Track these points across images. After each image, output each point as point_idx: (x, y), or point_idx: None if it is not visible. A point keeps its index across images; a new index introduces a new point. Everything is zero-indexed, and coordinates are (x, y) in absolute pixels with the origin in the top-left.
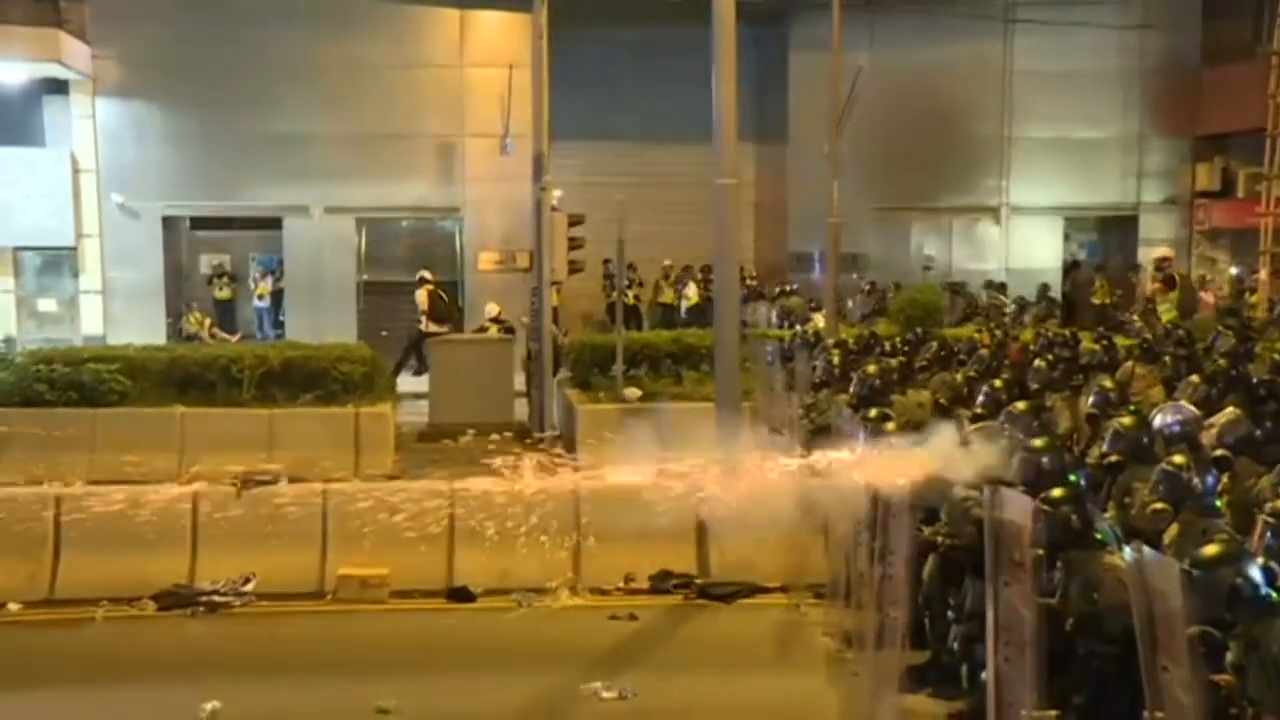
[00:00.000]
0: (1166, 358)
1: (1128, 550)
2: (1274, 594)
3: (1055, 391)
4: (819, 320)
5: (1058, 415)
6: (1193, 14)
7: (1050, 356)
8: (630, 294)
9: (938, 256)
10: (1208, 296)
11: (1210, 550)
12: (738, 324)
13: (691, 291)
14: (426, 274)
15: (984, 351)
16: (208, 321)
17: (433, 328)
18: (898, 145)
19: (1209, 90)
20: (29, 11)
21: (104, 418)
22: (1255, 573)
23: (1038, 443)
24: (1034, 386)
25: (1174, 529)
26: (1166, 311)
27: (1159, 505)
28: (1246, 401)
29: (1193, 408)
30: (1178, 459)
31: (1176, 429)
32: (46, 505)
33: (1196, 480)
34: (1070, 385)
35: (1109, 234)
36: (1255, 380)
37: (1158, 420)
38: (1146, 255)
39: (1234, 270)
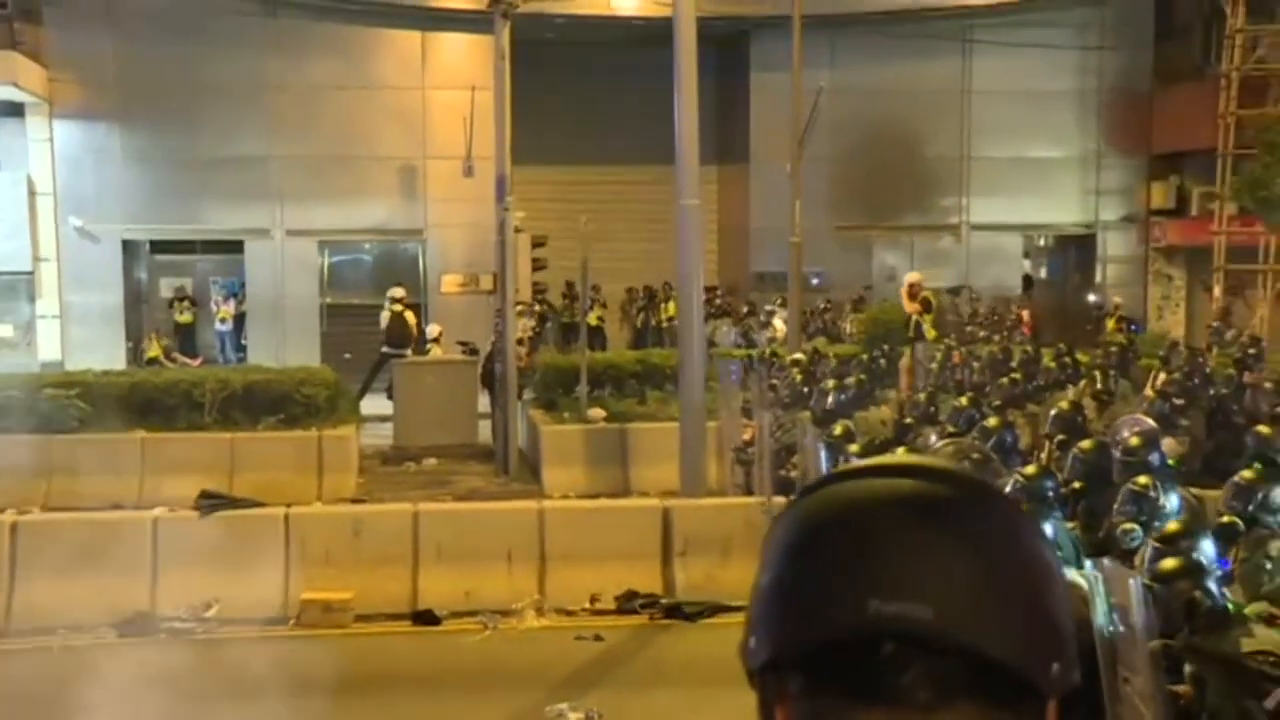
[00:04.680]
0: (1097, 373)
1: (1088, 564)
2: (1231, 606)
3: (1016, 409)
4: (779, 326)
5: (1020, 433)
6: (1145, 36)
7: (1016, 374)
8: (593, 315)
9: (899, 274)
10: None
11: (1168, 564)
12: (703, 343)
13: (672, 308)
14: (398, 293)
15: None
16: (165, 344)
17: (388, 350)
18: (858, 165)
19: (1162, 110)
20: None
21: (62, 444)
22: (1213, 586)
23: (1030, 470)
24: (995, 403)
25: (1145, 549)
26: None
27: (1128, 525)
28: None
29: (1150, 421)
30: (1143, 479)
31: (1133, 441)
32: (2, 533)
33: (1163, 499)
34: (1031, 402)
35: (1068, 252)
36: (1211, 395)
37: (1119, 435)
38: (1105, 272)
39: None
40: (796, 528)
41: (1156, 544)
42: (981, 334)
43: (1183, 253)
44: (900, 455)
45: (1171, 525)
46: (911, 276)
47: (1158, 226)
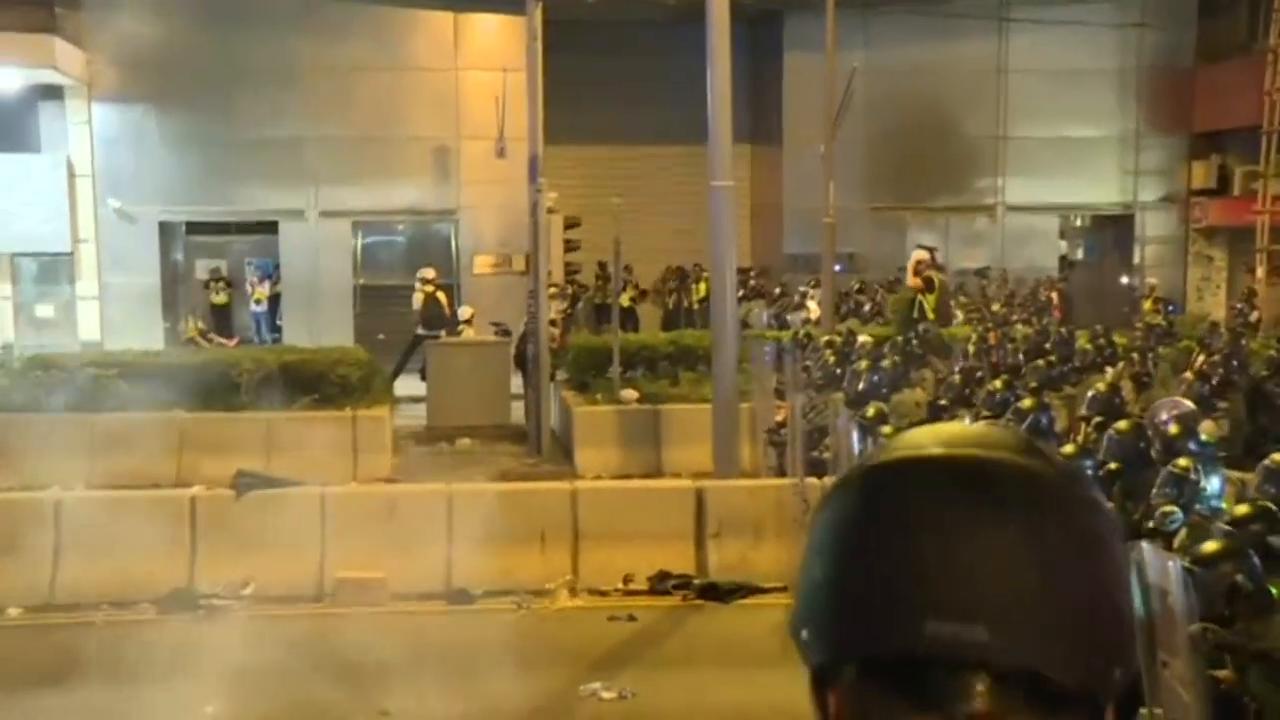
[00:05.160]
0: (1135, 355)
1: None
2: (1274, 591)
3: (1053, 390)
4: (813, 308)
5: (1055, 415)
6: (1188, 11)
7: (1052, 356)
8: (625, 295)
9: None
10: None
11: (1210, 547)
12: (736, 325)
13: (704, 289)
14: (429, 274)
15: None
16: (200, 325)
17: (422, 332)
18: (893, 145)
19: (1204, 88)
20: (23, 17)
21: (102, 423)
22: (1256, 569)
23: (1067, 450)
24: (1031, 385)
25: (1184, 531)
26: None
27: (1167, 508)
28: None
29: (1189, 403)
30: (1183, 461)
31: (1172, 425)
32: (46, 510)
33: (1204, 482)
34: (1067, 384)
35: (1105, 232)
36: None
37: (1157, 417)
38: (1143, 253)
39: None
40: (852, 521)
41: (1227, 526)
42: (1014, 316)
43: (1224, 233)
44: (973, 431)
45: (1241, 509)
46: (918, 254)
47: (1198, 206)
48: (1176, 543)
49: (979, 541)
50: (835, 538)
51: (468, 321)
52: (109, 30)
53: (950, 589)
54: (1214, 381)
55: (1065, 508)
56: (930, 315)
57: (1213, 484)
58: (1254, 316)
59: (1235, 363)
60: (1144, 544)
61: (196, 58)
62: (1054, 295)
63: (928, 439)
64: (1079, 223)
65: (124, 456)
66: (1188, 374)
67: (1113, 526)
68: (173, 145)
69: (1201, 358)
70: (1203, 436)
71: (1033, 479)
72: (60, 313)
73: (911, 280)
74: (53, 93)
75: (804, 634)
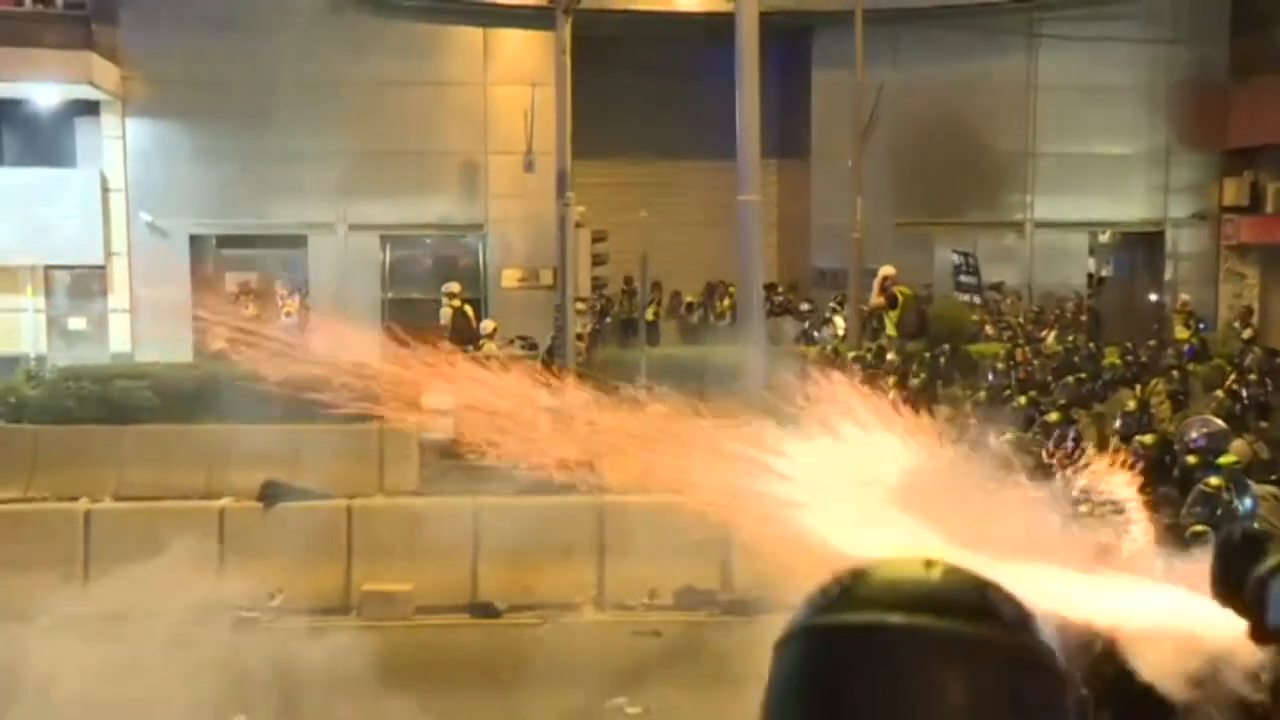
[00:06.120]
0: (1174, 372)
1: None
2: None
3: (1082, 408)
4: (840, 324)
5: (1083, 432)
6: (1220, 27)
7: (1082, 374)
8: (650, 311)
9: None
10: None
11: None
12: (763, 340)
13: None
14: (453, 288)
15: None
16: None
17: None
18: (921, 160)
19: (1238, 104)
20: (61, 34)
21: (132, 434)
22: None
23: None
24: (1060, 402)
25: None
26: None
27: (1198, 528)
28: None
29: (1220, 421)
30: (1214, 480)
31: (1203, 443)
32: (77, 521)
33: (1236, 501)
34: (1096, 401)
35: (1135, 249)
36: None
37: (1187, 435)
38: (1175, 270)
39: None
40: (822, 673)
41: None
42: (1043, 333)
43: (1256, 250)
44: (935, 575)
45: None
46: (885, 270)
47: (1230, 223)
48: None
49: (938, 709)
50: (793, 698)
51: (490, 335)
52: (144, 46)
53: None
54: (1246, 400)
55: (1013, 667)
56: (892, 332)
57: (1245, 504)
58: (1246, 334)
59: (1270, 382)
60: (1176, 563)
61: (228, 73)
62: (1081, 311)
63: (888, 595)
64: (1105, 238)
65: (153, 468)
66: (1219, 392)
67: (1056, 669)
68: (204, 159)
69: (1234, 376)
70: (1231, 457)
71: (986, 646)
72: (92, 325)
73: (875, 298)
74: (88, 108)
75: None
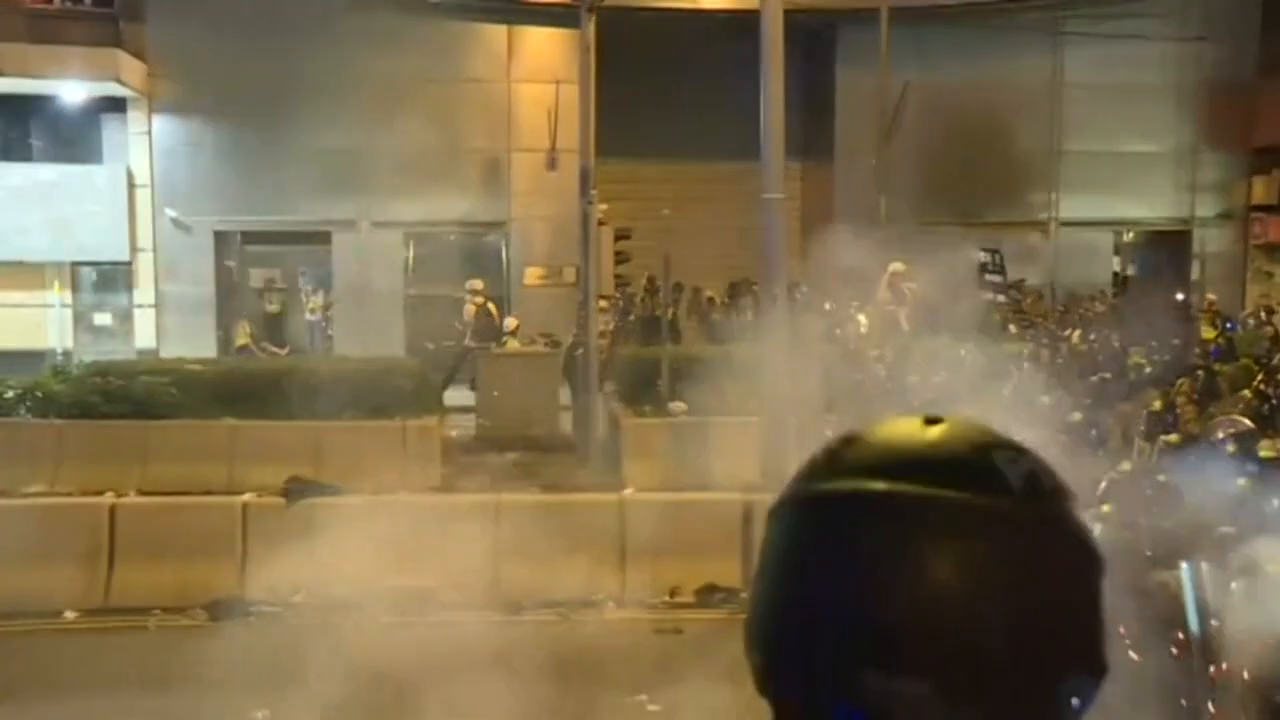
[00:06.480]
0: (1200, 371)
1: (1182, 563)
2: None
3: (1107, 407)
4: (864, 322)
5: (1107, 430)
6: (1250, 25)
7: (1107, 373)
8: (672, 309)
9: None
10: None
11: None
12: (786, 338)
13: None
14: (477, 285)
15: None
16: (252, 332)
17: (471, 343)
18: (945, 160)
19: (1267, 102)
20: (88, 31)
21: (157, 430)
22: None
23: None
24: (1086, 401)
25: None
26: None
27: (1226, 529)
28: None
29: (1247, 421)
30: (1242, 481)
31: (1231, 444)
32: (102, 515)
33: (1263, 502)
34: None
35: (1161, 248)
36: None
37: (1214, 435)
38: (1202, 269)
39: None
40: (789, 556)
41: None
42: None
43: None
44: (925, 449)
45: None
46: (894, 266)
47: (1259, 222)
48: (1237, 563)
49: (920, 590)
50: (774, 570)
51: (512, 333)
52: (170, 43)
53: (892, 639)
54: (1274, 400)
55: (1018, 543)
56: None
57: (1272, 503)
58: (1268, 332)
59: None
60: (1203, 564)
61: (254, 70)
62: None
63: (875, 460)
64: (1128, 237)
65: (177, 463)
66: (1246, 392)
67: (1079, 548)
68: (229, 156)
69: (1261, 375)
70: (1262, 454)
71: (982, 517)
72: (118, 321)
73: (882, 295)
74: (115, 105)
75: (754, 658)
